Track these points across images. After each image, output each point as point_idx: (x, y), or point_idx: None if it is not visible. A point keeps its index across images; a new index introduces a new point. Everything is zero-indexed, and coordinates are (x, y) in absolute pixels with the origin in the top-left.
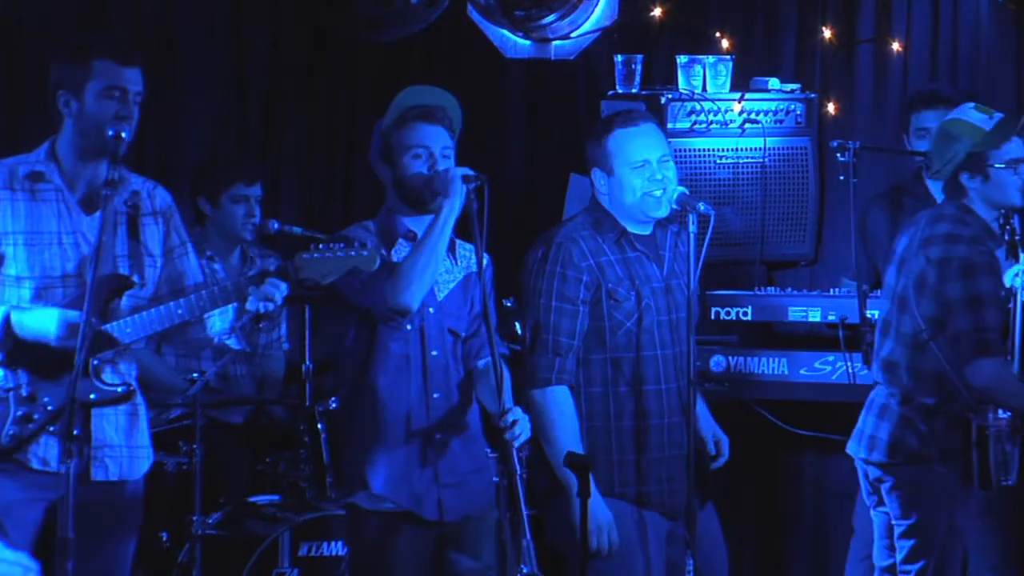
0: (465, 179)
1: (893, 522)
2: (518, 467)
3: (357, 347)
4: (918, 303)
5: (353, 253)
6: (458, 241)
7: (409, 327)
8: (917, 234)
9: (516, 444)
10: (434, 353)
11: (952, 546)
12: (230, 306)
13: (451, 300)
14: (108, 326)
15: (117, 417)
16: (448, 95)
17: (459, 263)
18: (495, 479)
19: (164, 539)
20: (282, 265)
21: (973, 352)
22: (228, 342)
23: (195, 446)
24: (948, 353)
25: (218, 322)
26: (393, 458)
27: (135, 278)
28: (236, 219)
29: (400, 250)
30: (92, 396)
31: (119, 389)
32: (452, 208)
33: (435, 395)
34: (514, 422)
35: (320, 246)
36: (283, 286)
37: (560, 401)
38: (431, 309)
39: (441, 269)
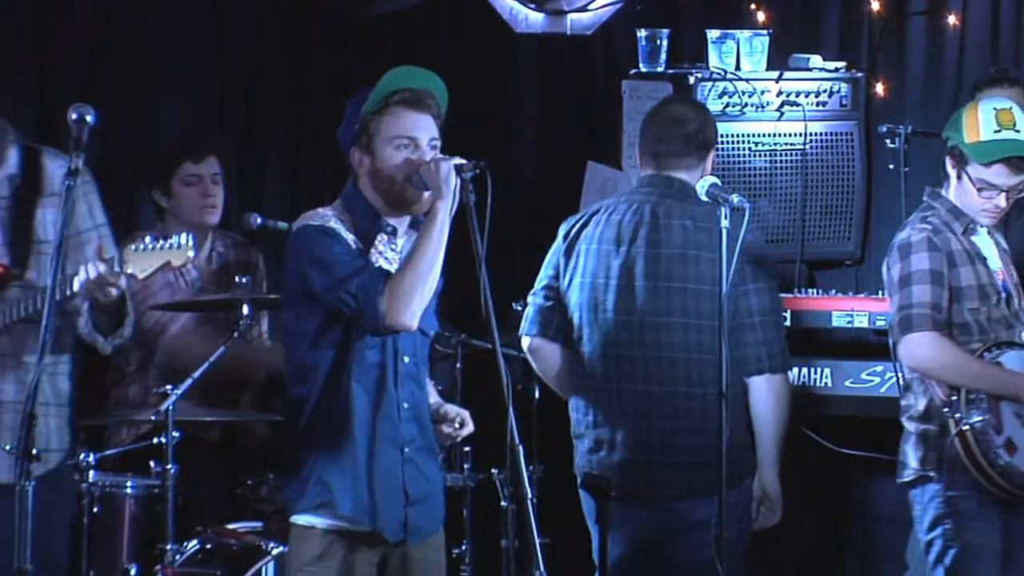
0: (459, 169)
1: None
2: (529, 490)
3: (324, 349)
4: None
5: (169, 246)
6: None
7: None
8: None
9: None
10: (406, 359)
11: (969, 566)
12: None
13: None
14: None
15: None
16: (436, 78)
17: None
18: (504, 503)
19: (133, 572)
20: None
21: (899, 332)
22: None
23: (168, 466)
24: None
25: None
26: (363, 479)
27: (15, 270)
28: (190, 203)
29: (380, 250)
30: None
31: None
32: (448, 207)
33: (404, 406)
34: (462, 422)
35: (146, 239)
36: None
37: None
38: None
39: (398, 257)
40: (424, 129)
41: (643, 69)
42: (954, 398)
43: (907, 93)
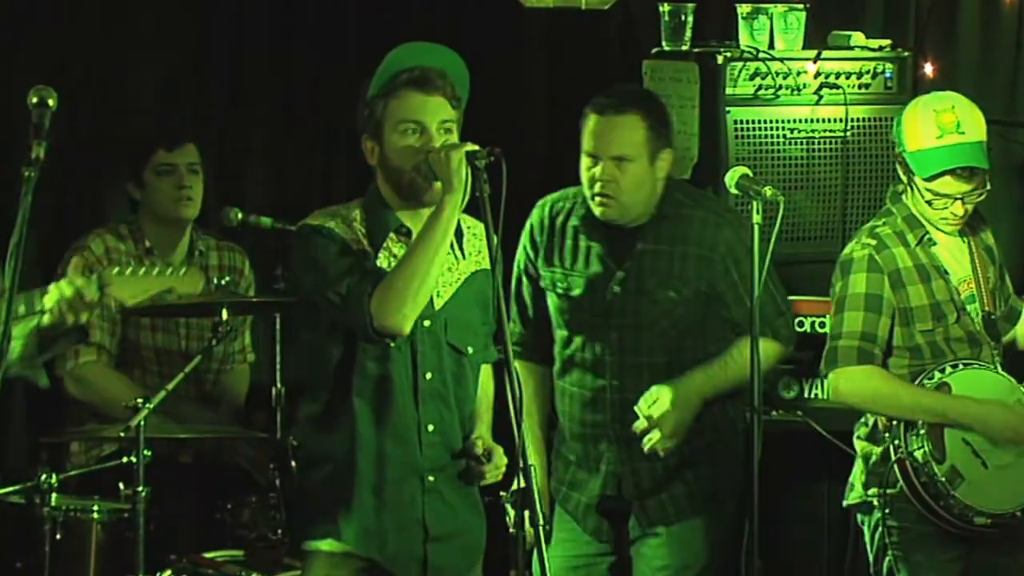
0: (471, 157)
1: None
2: (540, 518)
3: (328, 361)
4: None
5: (169, 272)
6: (467, 227)
7: (392, 343)
8: None
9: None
10: (428, 376)
11: None
12: (27, 329)
13: (454, 307)
14: None
15: None
16: (451, 54)
17: (467, 257)
18: (511, 530)
19: None
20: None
21: (824, 366)
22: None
23: (139, 489)
24: None
25: (17, 346)
26: (368, 504)
27: None
28: (164, 195)
29: (388, 250)
30: None
31: None
32: (456, 201)
33: (429, 428)
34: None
35: (136, 264)
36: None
37: None
38: (426, 321)
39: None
40: (433, 112)
41: (666, 47)
42: (894, 423)
43: (959, 74)
